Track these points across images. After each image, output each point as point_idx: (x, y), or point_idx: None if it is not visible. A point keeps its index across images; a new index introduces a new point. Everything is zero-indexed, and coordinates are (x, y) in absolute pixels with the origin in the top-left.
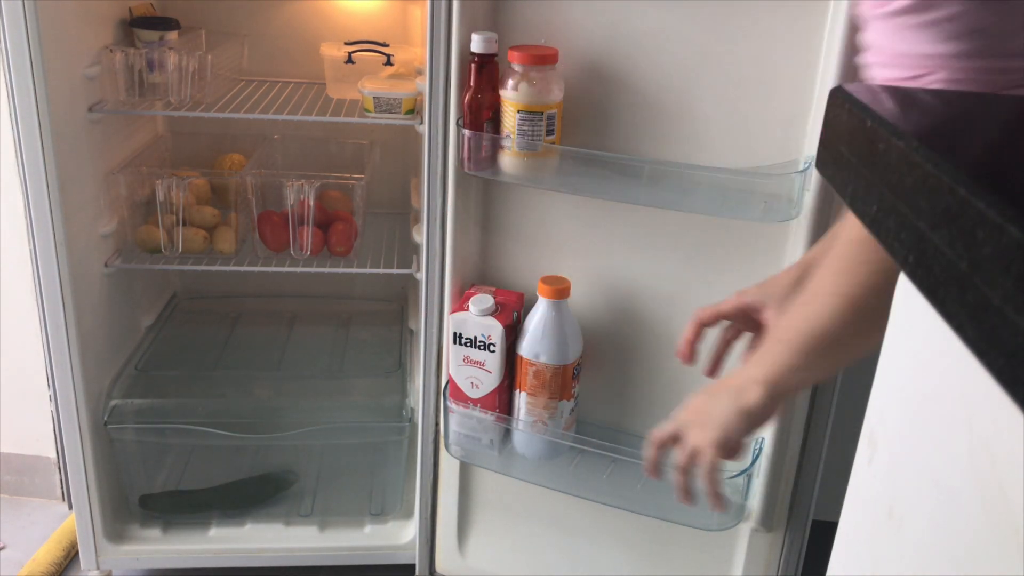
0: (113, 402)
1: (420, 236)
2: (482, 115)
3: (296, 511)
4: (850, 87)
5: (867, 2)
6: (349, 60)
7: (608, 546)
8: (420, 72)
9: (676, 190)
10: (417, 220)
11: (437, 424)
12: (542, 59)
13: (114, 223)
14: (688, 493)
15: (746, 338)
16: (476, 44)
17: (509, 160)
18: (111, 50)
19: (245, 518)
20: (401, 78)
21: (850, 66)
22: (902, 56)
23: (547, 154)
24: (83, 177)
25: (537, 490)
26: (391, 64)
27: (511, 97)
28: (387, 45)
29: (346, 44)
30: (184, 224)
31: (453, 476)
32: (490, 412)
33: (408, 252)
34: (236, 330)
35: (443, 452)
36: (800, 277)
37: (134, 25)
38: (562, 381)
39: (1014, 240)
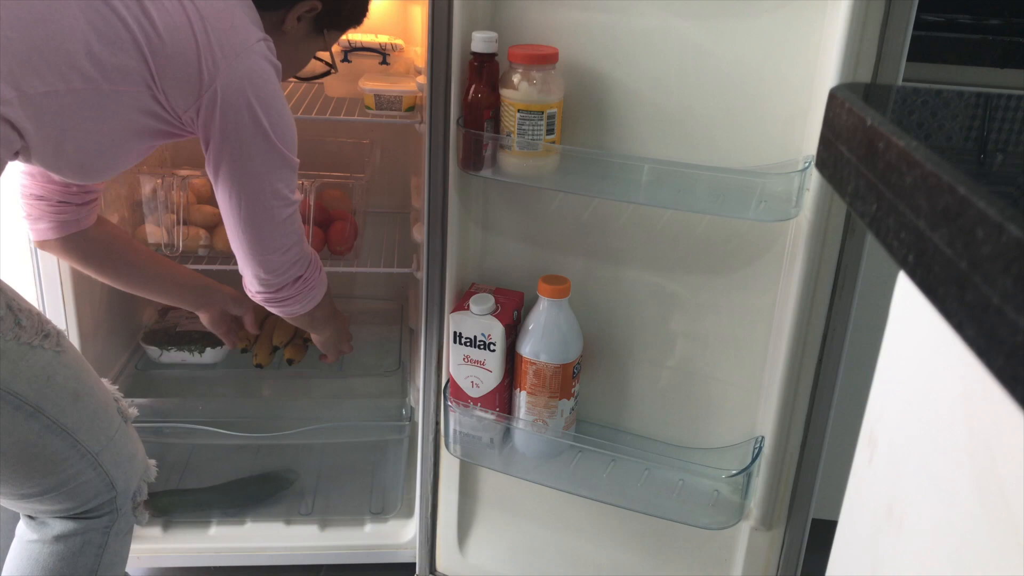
0: None
1: (420, 235)
2: (482, 114)
3: (296, 510)
4: (850, 87)
5: None
6: (345, 59)
7: (608, 545)
8: (420, 71)
9: (676, 189)
10: (417, 219)
11: (437, 423)
12: (542, 58)
13: (114, 222)
14: None
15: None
16: (476, 44)
17: (509, 159)
18: None
19: (245, 517)
20: (401, 76)
21: (850, 66)
22: None
23: (547, 153)
24: None
25: (537, 489)
26: (387, 64)
27: (511, 96)
28: (384, 49)
29: (339, 41)
30: (184, 223)
31: (453, 475)
32: (490, 411)
33: (408, 251)
34: None
35: (443, 451)
36: None
37: None
38: (562, 380)
39: (1013, 239)
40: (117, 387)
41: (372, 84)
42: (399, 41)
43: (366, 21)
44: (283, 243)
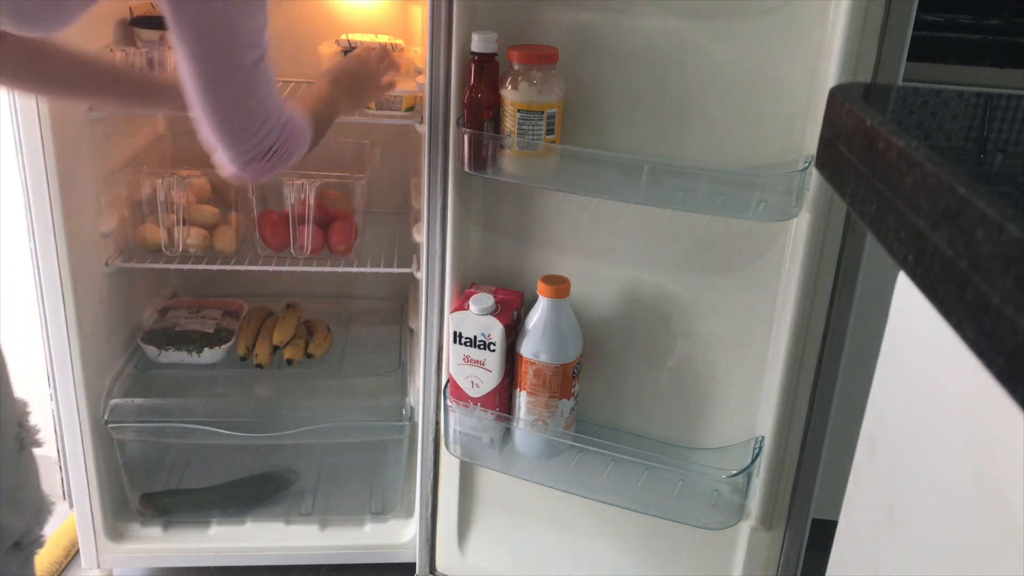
0: (113, 401)
1: (420, 235)
2: (482, 114)
3: (296, 510)
4: (850, 87)
5: None
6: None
7: (608, 545)
8: (420, 71)
9: (676, 189)
10: (417, 220)
11: (437, 423)
12: (542, 58)
13: (114, 222)
14: None
15: None
16: (476, 43)
17: (509, 159)
18: (111, 49)
19: (245, 517)
20: (401, 76)
21: (850, 66)
22: None
23: (547, 153)
24: (84, 176)
25: (537, 489)
26: None
27: (511, 96)
28: (385, 47)
29: (339, 41)
30: (184, 223)
31: (453, 475)
32: (490, 411)
33: (408, 251)
34: None
35: (443, 451)
36: None
37: (134, 24)
38: (562, 380)
39: (1013, 239)
40: (31, 411)
41: None
42: (399, 41)
43: (366, 21)
44: (248, 97)
